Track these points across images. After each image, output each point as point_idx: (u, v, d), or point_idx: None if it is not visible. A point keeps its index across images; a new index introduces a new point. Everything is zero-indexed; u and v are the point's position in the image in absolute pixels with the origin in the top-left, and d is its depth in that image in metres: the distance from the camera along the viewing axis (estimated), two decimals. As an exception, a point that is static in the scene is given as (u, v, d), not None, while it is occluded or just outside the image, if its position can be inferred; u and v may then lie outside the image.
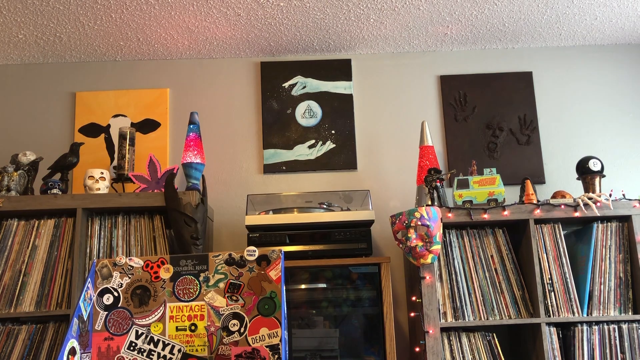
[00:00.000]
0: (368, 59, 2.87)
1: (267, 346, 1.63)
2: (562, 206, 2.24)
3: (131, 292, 1.73)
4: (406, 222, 2.11)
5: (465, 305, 2.21)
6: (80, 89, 2.81)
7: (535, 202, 2.26)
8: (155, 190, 2.39)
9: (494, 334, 2.19)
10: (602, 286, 2.21)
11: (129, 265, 1.75)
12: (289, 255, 2.26)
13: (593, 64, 2.87)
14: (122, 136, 2.51)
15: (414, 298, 2.27)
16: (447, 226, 2.30)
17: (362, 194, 2.50)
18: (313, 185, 2.72)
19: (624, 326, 2.17)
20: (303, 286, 2.33)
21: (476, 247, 2.29)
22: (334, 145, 2.75)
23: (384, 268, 2.24)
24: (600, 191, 2.37)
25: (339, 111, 2.79)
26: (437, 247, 2.13)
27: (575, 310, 2.18)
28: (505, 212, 2.22)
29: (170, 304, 1.71)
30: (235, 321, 1.68)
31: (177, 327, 1.70)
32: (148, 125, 2.76)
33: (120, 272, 1.75)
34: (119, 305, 1.72)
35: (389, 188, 2.72)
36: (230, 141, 2.78)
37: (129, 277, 1.74)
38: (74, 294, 2.19)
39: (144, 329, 1.70)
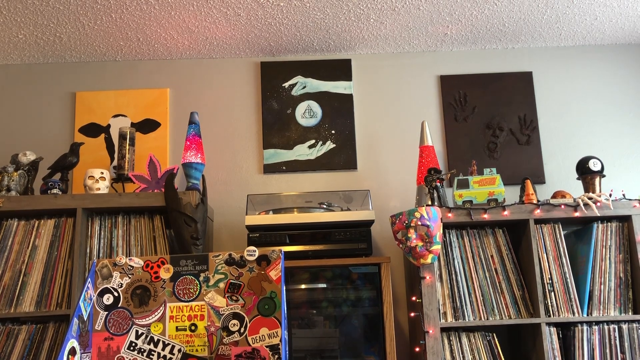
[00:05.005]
0: (368, 59, 2.87)
1: (267, 346, 1.63)
2: (562, 206, 2.24)
3: (131, 292, 1.73)
4: (406, 222, 2.11)
5: (465, 305, 2.21)
6: (80, 89, 2.81)
7: (535, 202, 2.26)
8: (155, 190, 2.39)
9: (494, 334, 2.19)
10: (602, 286, 2.21)
11: (129, 265, 1.75)
12: (289, 255, 2.26)
13: (593, 64, 2.87)
14: (122, 136, 2.51)
15: (414, 298, 2.27)
16: (447, 226, 2.30)
17: (362, 194, 2.50)
18: (313, 185, 2.72)
19: (624, 326, 2.17)
20: (303, 286, 2.33)
21: (476, 247, 2.29)
22: (334, 145, 2.75)
23: (384, 268, 2.24)
24: (600, 191, 2.37)
25: (339, 111, 2.79)
26: (437, 247, 2.13)
27: (575, 310, 2.18)
28: (505, 212, 2.22)
29: (170, 304, 1.71)
30: (235, 321, 1.68)
31: (177, 327, 1.70)
32: (148, 125, 2.76)
33: (120, 272, 1.75)
34: (119, 305, 1.72)
35: (389, 188, 2.72)
36: (230, 141, 2.78)
37: (129, 277, 1.74)
38: (74, 294, 2.19)
39: (144, 329, 1.70)
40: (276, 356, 1.61)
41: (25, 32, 2.56)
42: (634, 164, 2.75)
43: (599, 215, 2.22)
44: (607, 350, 2.15)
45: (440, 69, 2.86)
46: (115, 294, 1.73)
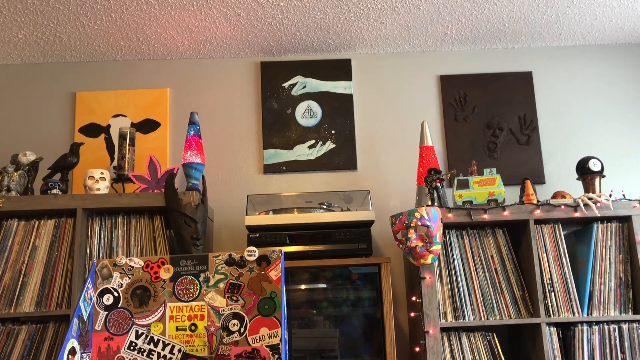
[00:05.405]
0: (368, 59, 2.87)
1: (267, 346, 1.63)
2: (562, 206, 2.24)
3: (131, 293, 1.73)
4: (406, 222, 2.11)
5: (465, 305, 2.21)
6: (80, 89, 2.81)
7: (535, 202, 2.26)
8: (155, 191, 2.39)
9: (494, 334, 2.19)
10: (602, 286, 2.21)
11: (129, 266, 1.75)
12: (289, 256, 2.26)
13: (593, 64, 2.87)
14: (122, 136, 2.51)
15: (414, 298, 2.27)
16: (447, 226, 2.30)
17: (362, 194, 2.50)
18: (313, 185, 2.72)
19: (624, 326, 2.17)
20: (303, 286, 2.33)
21: (476, 248, 2.29)
22: (334, 145, 2.75)
23: (384, 268, 2.24)
24: (600, 191, 2.37)
25: (339, 111, 2.79)
26: (437, 248, 2.13)
27: (575, 310, 2.18)
28: (505, 213, 2.22)
29: (170, 304, 1.71)
30: (235, 321, 1.68)
31: (177, 327, 1.70)
32: (148, 125, 2.76)
33: (121, 273, 1.75)
34: (119, 306, 1.72)
35: (389, 188, 2.72)
36: (230, 141, 2.78)
37: (129, 278, 1.74)
38: (74, 294, 2.19)
39: (144, 329, 1.70)
40: (276, 356, 1.61)
41: (25, 32, 2.56)
42: (634, 164, 2.75)
43: (599, 215, 2.22)
44: (607, 350, 2.15)
45: (440, 68, 2.86)
46: (115, 294, 1.73)
